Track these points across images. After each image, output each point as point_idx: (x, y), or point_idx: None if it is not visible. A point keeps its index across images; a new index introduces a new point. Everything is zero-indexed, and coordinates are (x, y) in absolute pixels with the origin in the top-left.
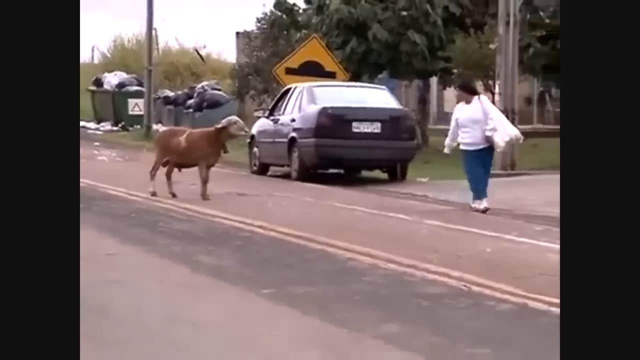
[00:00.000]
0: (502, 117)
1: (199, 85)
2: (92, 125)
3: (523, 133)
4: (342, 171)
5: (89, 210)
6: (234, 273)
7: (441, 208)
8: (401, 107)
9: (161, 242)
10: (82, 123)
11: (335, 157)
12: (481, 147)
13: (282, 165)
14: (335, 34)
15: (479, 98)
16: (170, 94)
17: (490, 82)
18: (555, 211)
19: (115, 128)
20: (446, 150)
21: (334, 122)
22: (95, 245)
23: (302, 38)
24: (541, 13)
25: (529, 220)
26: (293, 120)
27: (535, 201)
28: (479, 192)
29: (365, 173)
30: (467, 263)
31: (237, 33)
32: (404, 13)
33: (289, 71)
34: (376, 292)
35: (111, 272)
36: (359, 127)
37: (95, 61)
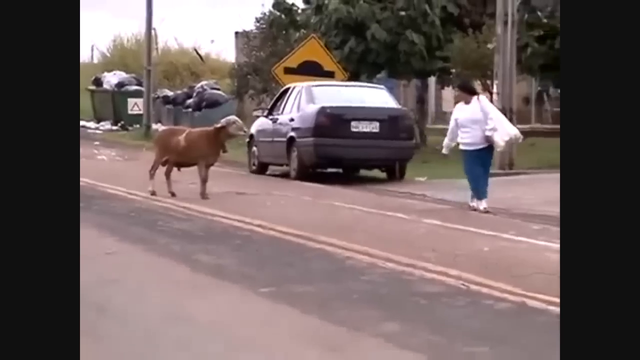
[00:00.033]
0: (502, 116)
1: (198, 85)
2: (91, 124)
3: (521, 132)
4: (340, 170)
5: (89, 209)
6: (233, 272)
7: (439, 207)
8: (399, 106)
9: (160, 241)
10: (81, 122)
11: (334, 156)
12: (481, 147)
13: (281, 165)
14: (333, 33)
15: (478, 98)
16: (170, 93)
17: (489, 82)
18: (553, 210)
19: (114, 127)
20: (444, 151)
21: (333, 121)
22: (94, 244)
23: (300, 38)
24: (539, 13)
25: (527, 219)
26: (292, 119)
27: (533, 200)
28: (479, 192)
29: (363, 172)
30: (465, 262)
31: (236, 33)
32: (403, 13)
33: (288, 71)
34: (375, 291)
35: (110, 271)
36: (357, 127)
37: (95, 61)
